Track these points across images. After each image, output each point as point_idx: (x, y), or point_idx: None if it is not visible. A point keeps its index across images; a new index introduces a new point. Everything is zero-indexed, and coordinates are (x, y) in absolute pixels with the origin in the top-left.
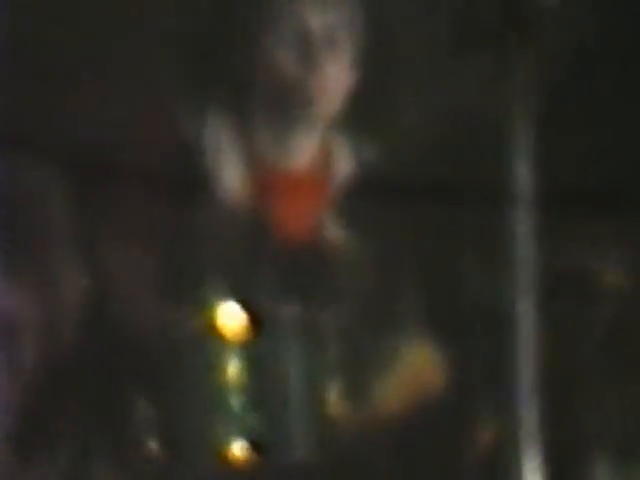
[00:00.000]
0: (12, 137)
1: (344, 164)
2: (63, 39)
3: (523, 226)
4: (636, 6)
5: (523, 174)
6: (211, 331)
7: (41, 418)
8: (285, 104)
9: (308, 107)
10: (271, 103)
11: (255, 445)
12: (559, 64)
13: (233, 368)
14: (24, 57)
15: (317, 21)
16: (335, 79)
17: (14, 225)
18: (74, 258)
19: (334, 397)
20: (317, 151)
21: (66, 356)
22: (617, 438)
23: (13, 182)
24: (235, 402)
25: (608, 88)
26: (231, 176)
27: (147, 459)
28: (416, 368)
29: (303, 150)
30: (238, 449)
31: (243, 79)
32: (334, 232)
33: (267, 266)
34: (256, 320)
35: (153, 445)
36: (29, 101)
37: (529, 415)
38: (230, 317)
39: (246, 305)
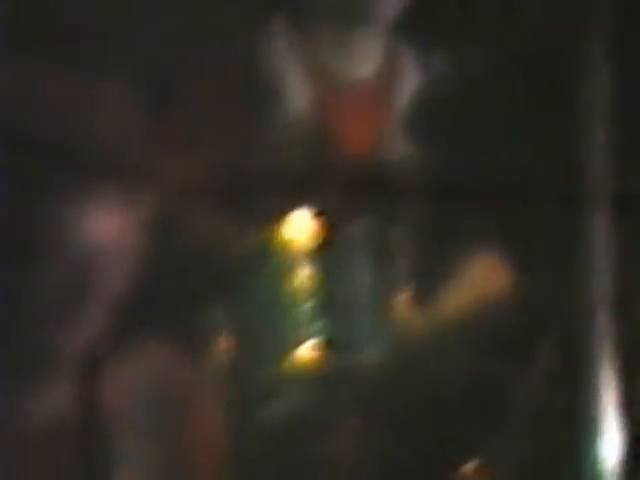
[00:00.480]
0: None
1: (411, 75)
2: None
3: None
4: None
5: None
6: (280, 239)
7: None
8: (347, 7)
9: (370, 8)
10: (333, 8)
11: (323, 347)
12: None
13: (303, 276)
14: None
15: None
16: None
17: None
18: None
19: (401, 302)
20: (382, 60)
21: (147, 273)
22: None
23: None
24: (304, 307)
25: None
26: (295, 88)
27: (220, 356)
28: (482, 276)
29: (367, 58)
30: (307, 350)
31: None
32: (400, 147)
33: (334, 179)
34: (325, 230)
35: (224, 344)
36: None
37: (600, 324)
38: (299, 227)
39: (315, 215)
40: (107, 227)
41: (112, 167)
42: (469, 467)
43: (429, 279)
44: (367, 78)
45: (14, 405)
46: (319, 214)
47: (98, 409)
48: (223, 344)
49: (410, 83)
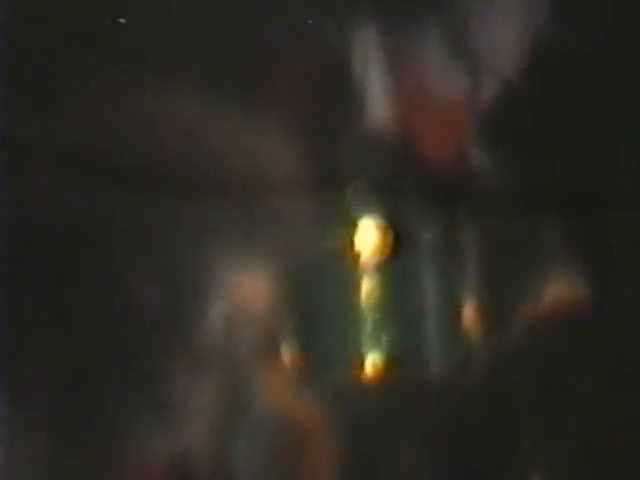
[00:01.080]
0: None
1: (491, 86)
2: None
3: None
4: None
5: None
6: (348, 248)
7: None
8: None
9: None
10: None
11: (388, 360)
12: None
13: (369, 285)
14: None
15: None
16: None
17: None
18: None
19: (470, 318)
20: (469, 79)
21: None
22: None
23: None
24: (370, 320)
25: None
26: (379, 94)
27: (283, 366)
28: (557, 290)
29: (459, 78)
30: (372, 363)
31: None
32: (478, 154)
33: (408, 186)
34: (395, 239)
35: (289, 354)
36: None
37: None
38: (367, 235)
39: (386, 224)
40: None
41: None
42: None
43: (500, 294)
44: (454, 95)
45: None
46: (390, 224)
47: None
48: (287, 357)
49: (489, 94)
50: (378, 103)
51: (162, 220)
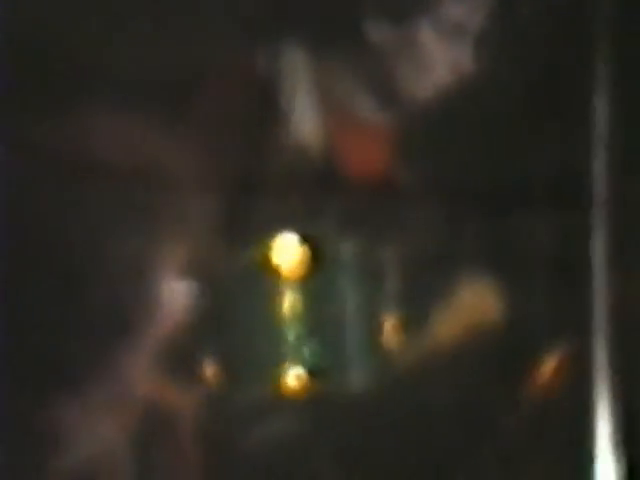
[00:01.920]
0: None
1: (411, 103)
2: None
3: None
4: None
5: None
6: (266, 263)
7: None
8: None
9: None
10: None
11: (310, 374)
12: None
13: (289, 301)
14: None
15: None
16: None
17: None
18: None
19: (390, 329)
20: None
21: None
22: None
23: None
24: (291, 332)
25: None
26: (305, 114)
27: (204, 384)
28: (472, 303)
29: (385, 106)
30: (293, 377)
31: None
32: (399, 171)
33: (330, 202)
34: (315, 255)
35: (210, 372)
36: None
37: (598, 350)
38: (286, 250)
39: (305, 239)
40: None
41: None
42: None
43: (418, 305)
44: (378, 115)
45: None
46: (308, 238)
47: None
48: (209, 373)
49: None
50: (303, 121)
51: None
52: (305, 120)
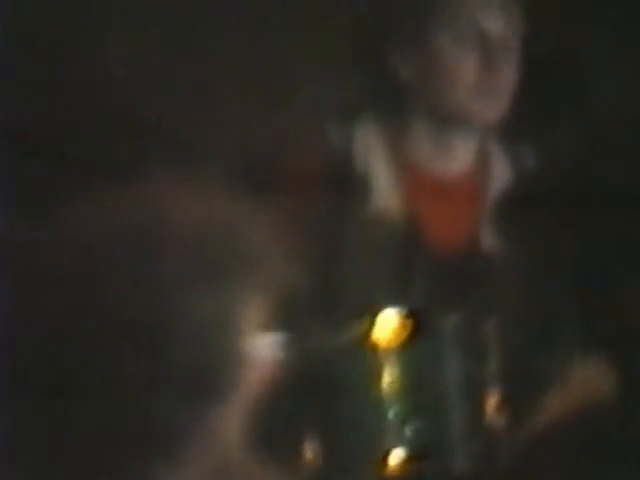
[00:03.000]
0: None
1: (501, 171)
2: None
3: None
4: None
5: None
6: (368, 340)
7: None
8: (444, 108)
9: (467, 112)
10: (429, 106)
11: (413, 455)
12: None
13: (389, 377)
14: None
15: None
16: (505, 82)
17: None
18: None
19: (493, 407)
20: (474, 157)
21: None
22: None
23: None
24: (392, 411)
25: None
26: (384, 182)
27: (304, 464)
28: (580, 382)
29: (459, 156)
30: (396, 459)
31: (402, 81)
32: (490, 240)
33: (422, 273)
34: (413, 328)
35: (310, 451)
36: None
37: None
38: (387, 325)
39: (403, 313)
40: None
41: None
42: None
43: (522, 381)
44: (459, 175)
45: None
46: (408, 313)
47: None
48: (309, 452)
49: (500, 180)
50: (389, 195)
51: None
52: (389, 191)
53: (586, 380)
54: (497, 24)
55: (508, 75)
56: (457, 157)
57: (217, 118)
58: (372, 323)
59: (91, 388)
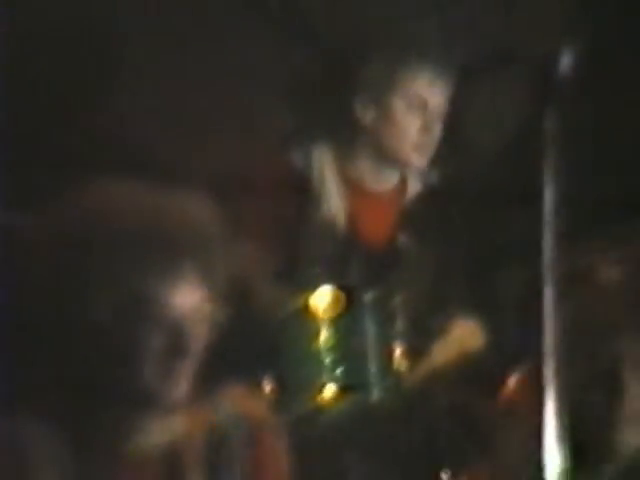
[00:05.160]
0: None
1: (413, 187)
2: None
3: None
4: None
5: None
6: (309, 308)
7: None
8: (387, 151)
9: (405, 159)
10: (375, 145)
11: (341, 389)
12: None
13: (326, 334)
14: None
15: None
16: (435, 139)
17: None
18: None
19: (399, 355)
20: (397, 179)
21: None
22: None
23: None
24: (327, 359)
25: None
26: (333, 193)
27: (264, 395)
28: (460, 336)
29: (387, 179)
30: (329, 392)
31: (360, 122)
32: (404, 236)
33: (356, 260)
34: (345, 300)
35: (269, 386)
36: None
37: (549, 369)
38: (324, 298)
39: (337, 289)
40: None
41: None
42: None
43: (420, 337)
44: (385, 191)
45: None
46: (340, 288)
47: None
48: (268, 387)
49: (412, 193)
50: (331, 203)
51: None
52: (333, 201)
53: (463, 334)
54: (436, 98)
55: (438, 133)
56: (386, 179)
57: (201, 145)
58: (312, 296)
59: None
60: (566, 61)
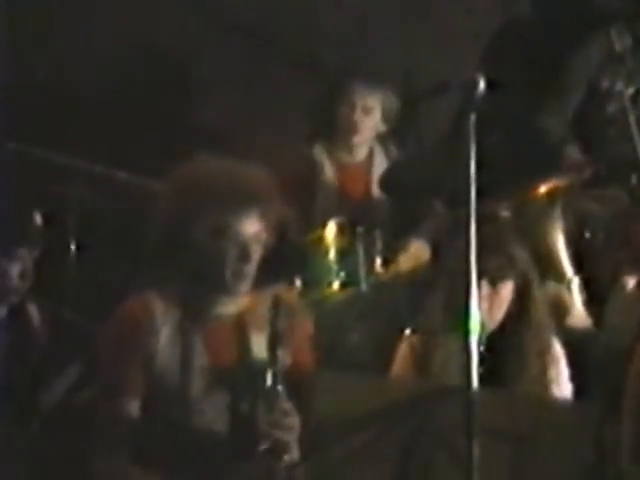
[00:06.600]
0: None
1: (381, 160)
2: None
3: None
4: None
5: None
6: (322, 237)
7: None
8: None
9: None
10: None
11: (342, 285)
12: None
13: (332, 253)
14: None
15: None
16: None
17: None
18: None
19: (379, 264)
20: (367, 156)
21: None
22: None
23: None
24: (334, 267)
25: None
26: (328, 170)
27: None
28: (415, 251)
29: (361, 154)
30: (335, 286)
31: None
32: (377, 193)
33: (342, 211)
34: (344, 232)
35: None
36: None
37: None
38: (331, 231)
39: (337, 225)
40: None
41: None
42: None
43: (391, 253)
44: (359, 162)
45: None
46: (339, 225)
47: None
48: (298, 283)
49: (381, 165)
50: (327, 175)
51: None
52: (327, 173)
53: (416, 251)
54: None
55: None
56: (359, 154)
57: (261, 136)
58: (324, 229)
59: None
60: (482, 85)
